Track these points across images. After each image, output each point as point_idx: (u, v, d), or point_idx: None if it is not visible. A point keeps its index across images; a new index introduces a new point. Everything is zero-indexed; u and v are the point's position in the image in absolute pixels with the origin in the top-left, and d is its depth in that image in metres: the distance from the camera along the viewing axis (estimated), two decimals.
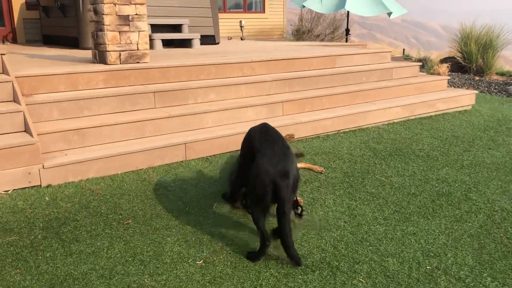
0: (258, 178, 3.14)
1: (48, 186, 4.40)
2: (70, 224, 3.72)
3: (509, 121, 7.47)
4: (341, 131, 6.47)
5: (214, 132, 5.42)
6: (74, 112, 5.03)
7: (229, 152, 5.48)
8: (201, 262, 3.26)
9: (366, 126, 6.73)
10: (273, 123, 5.76)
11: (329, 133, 6.34)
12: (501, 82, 11.79)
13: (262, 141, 3.40)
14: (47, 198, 4.18)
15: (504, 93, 10.50)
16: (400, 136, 6.48)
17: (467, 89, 10.21)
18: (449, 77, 8.84)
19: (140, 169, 4.85)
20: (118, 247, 3.41)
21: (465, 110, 8.07)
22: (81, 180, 4.52)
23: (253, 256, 3.31)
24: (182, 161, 5.11)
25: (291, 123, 5.89)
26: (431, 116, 7.54)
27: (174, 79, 5.99)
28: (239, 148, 5.46)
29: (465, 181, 4.93)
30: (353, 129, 6.60)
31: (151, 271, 3.13)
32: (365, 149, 5.86)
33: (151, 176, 4.72)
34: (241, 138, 5.50)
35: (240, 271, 3.17)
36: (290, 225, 3.22)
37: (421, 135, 6.58)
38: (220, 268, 3.20)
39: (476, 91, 8.36)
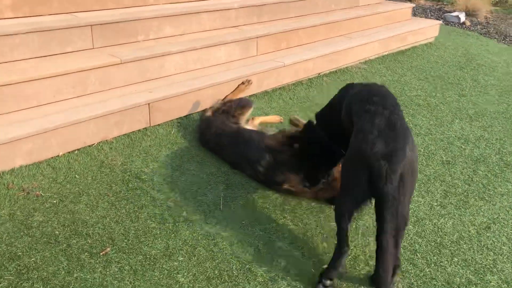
0: (349, 160, 2.36)
1: None
2: (11, 269, 2.22)
3: (474, 56, 6.90)
4: (322, 73, 5.33)
5: (182, 83, 3.95)
6: None
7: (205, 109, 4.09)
8: None
9: (346, 66, 5.65)
10: (248, 67, 4.46)
11: (311, 77, 5.16)
12: (434, 8, 11.28)
13: (360, 110, 2.39)
14: None
15: (441, 20, 10.00)
16: (386, 79, 5.54)
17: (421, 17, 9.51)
18: (413, 5, 7.97)
19: (90, 145, 3.31)
20: None
21: (430, 43, 7.33)
22: (3, 174, 2.89)
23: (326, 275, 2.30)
24: (146, 128, 3.64)
25: (273, 67, 4.59)
26: (403, 51, 6.67)
27: (113, 4, 4.26)
28: (215, 102, 4.11)
29: (486, 138, 4.22)
30: (333, 70, 5.48)
31: None
32: None
33: (109, 156, 3.23)
34: (219, 89, 4.12)
35: None
36: (393, 242, 2.19)
37: (406, 76, 5.71)
38: None
39: (440, 22, 7.62)
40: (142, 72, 3.85)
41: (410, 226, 2.86)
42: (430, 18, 9.44)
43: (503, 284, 2.47)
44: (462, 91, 5.44)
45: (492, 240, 2.82)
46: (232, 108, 3.62)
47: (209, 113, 3.64)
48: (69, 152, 3.19)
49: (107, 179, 2.99)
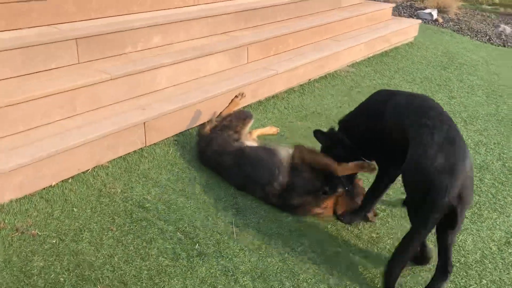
0: (408, 173, 2.33)
1: None
2: None
3: (454, 55, 6.92)
4: (312, 79, 5.19)
5: (177, 98, 3.72)
6: None
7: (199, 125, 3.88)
8: None
9: (334, 70, 5.53)
10: (242, 77, 4.29)
11: (302, 84, 5.01)
12: (405, 5, 11.33)
13: (417, 124, 2.33)
14: None
15: (415, 17, 10.04)
16: (376, 83, 5.46)
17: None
18: (394, 4, 7.93)
19: (85, 172, 3.05)
20: None
21: (411, 43, 7.30)
22: None
23: None
24: (142, 149, 3.40)
25: (266, 76, 4.41)
26: (387, 53, 6.61)
27: (97, 14, 3.98)
28: (211, 116, 3.89)
29: (485, 143, 4.20)
30: (322, 75, 5.35)
31: None
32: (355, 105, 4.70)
33: (106, 184, 2.98)
34: (214, 102, 3.89)
35: None
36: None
37: (395, 79, 5.64)
38: None
39: (419, 21, 7.61)
40: (133, 88, 3.60)
41: (432, 246, 2.75)
42: (404, 16, 9.43)
43: None
44: (451, 93, 5.42)
45: None
46: (232, 122, 3.43)
47: (207, 129, 3.44)
48: (62, 181, 2.92)
49: (108, 210, 2.74)
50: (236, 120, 3.45)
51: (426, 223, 2.18)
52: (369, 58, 6.24)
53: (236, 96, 3.70)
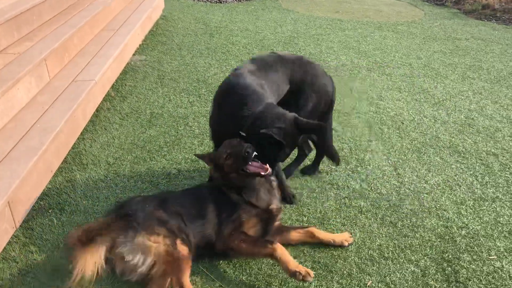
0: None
1: None
2: None
3: (204, 21, 7.06)
4: (118, 79, 4.61)
5: (18, 152, 2.78)
6: None
7: (54, 173, 3.02)
8: None
9: (127, 62, 5.04)
10: (65, 99, 3.61)
11: (114, 87, 4.41)
12: None
13: None
14: None
15: None
16: (176, 65, 5.25)
17: None
18: None
19: None
20: None
21: (165, 16, 7.18)
22: None
23: None
24: (16, 236, 2.46)
25: (87, 89, 3.70)
26: (155, 31, 6.36)
27: None
28: (64, 158, 3.04)
29: None
30: (123, 72, 4.81)
31: None
32: (179, 94, 4.45)
33: None
34: (58, 141, 2.95)
35: None
36: None
37: (186, 57, 5.52)
38: None
39: None
40: None
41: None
42: None
43: None
44: (237, 57, 5.59)
45: None
46: None
47: None
48: None
49: None
50: None
51: None
52: (145, 41, 5.90)
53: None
